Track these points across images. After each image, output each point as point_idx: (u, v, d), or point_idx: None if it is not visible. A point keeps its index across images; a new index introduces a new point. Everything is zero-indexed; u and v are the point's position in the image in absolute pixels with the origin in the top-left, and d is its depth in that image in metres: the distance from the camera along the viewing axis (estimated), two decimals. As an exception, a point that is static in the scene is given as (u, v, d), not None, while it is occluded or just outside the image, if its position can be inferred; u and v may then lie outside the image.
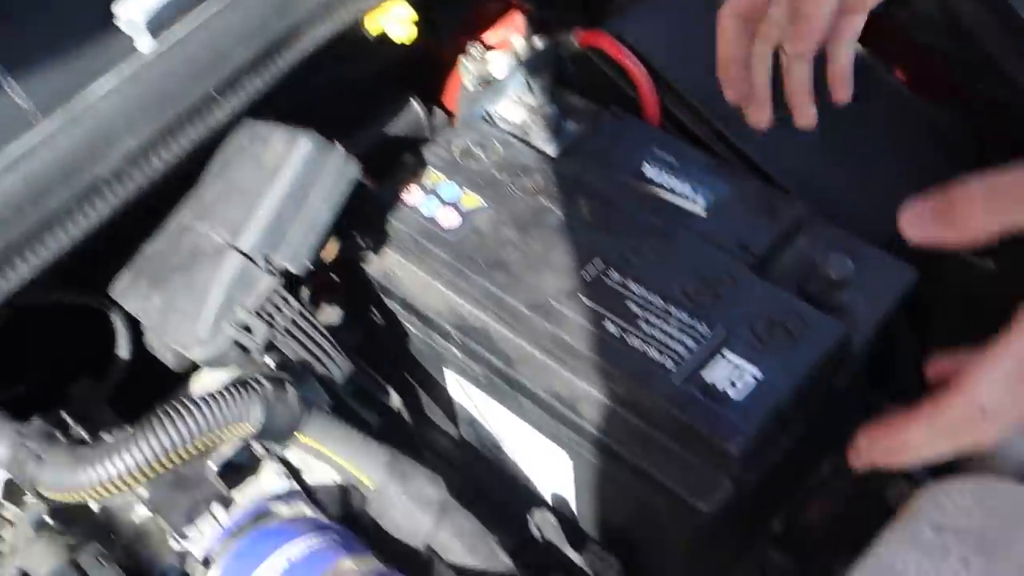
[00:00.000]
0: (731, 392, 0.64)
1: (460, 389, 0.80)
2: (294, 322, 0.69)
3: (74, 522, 0.68)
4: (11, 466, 0.63)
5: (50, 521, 0.67)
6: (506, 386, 0.73)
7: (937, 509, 0.64)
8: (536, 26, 0.94)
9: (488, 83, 0.85)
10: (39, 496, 0.63)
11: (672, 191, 0.75)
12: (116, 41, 0.71)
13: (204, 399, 0.63)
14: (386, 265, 0.77)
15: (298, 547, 0.64)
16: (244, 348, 0.68)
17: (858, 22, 0.73)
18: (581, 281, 0.70)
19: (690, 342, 0.66)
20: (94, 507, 0.70)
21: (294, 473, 0.72)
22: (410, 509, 0.68)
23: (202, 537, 0.67)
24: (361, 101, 0.89)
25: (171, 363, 0.72)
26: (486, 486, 0.85)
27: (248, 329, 0.67)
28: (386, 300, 0.78)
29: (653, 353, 0.66)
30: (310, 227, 0.69)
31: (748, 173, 0.80)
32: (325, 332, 0.70)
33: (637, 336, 0.67)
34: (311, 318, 0.69)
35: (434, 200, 0.76)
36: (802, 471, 0.79)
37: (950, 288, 0.85)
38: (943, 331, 0.86)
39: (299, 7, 0.74)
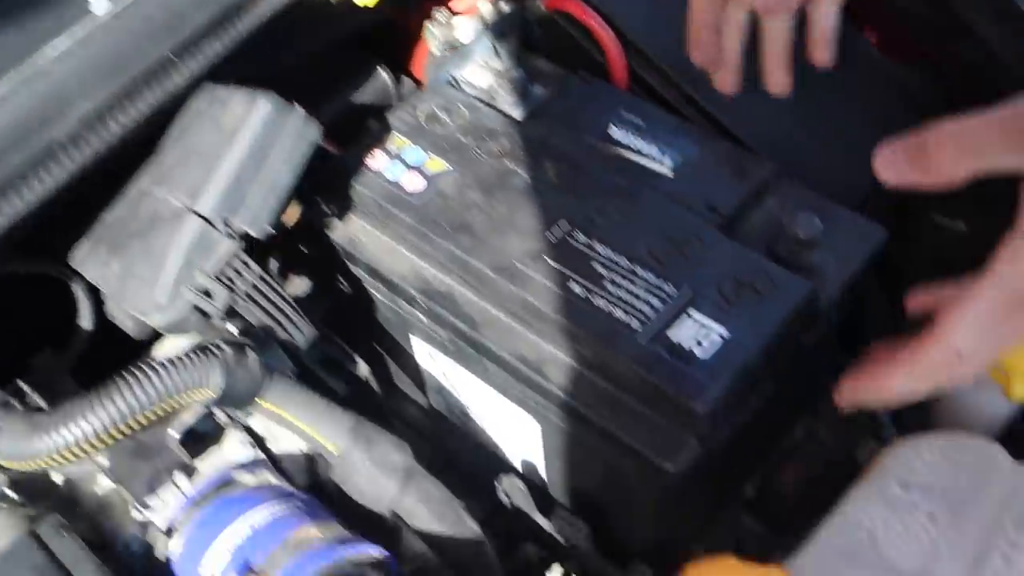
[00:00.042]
0: (697, 351, 0.63)
1: (427, 356, 0.79)
2: (255, 287, 0.68)
3: (36, 495, 0.67)
4: (-33, 437, 0.62)
5: (10, 493, 0.66)
6: (472, 351, 0.72)
7: (904, 466, 0.64)
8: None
9: (454, 48, 0.84)
10: (-2, 466, 0.62)
11: (639, 152, 0.74)
12: (70, 2, 0.69)
13: (163, 363, 0.62)
14: (351, 231, 0.76)
15: (261, 514, 0.63)
16: (205, 314, 0.67)
17: None
18: (546, 243, 0.69)
19: (656, 302, 0.65)
20: (57, 479, 0.69)
21: (259, 442, 0.71)
22: (375, 475, 0.68)
23: (165, 506, 0.66)
24: (327, 69, 0.88)
25: (132, 331, 0.71)
26: (456, 455, 0.84)
27: (208, 294, 0.66)
28: (351, 267, 0.77)
29: (619, 314, 0.65)
30: (270, 190, 0.68)
31: (717, 135, 0.79)
32: (287, 297, 0.69)
33: (603, 297, 0.66)
34: (273, 283, 0.68)
35: (399, 165, 0.75)
36: (773, 434, 0.79)
37: (921, 250, 0.84)
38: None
39: (257, -32, 0.73)
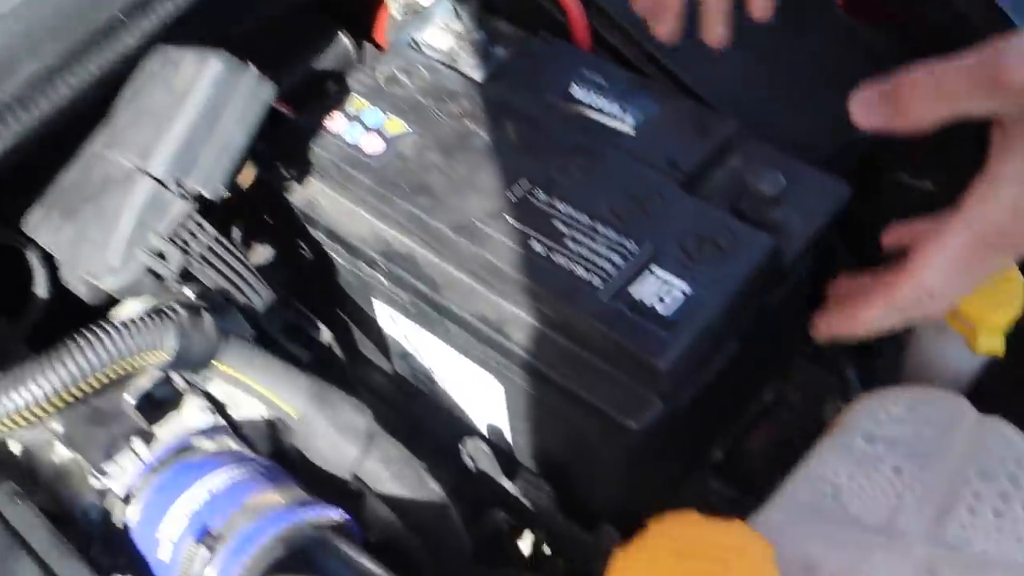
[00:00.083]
0: (659, 307, 0.62)
1: (390, 320, 0.78)
2: (210, 249, 0.67)
3: (-8, 465, 0.66)
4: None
5: (-36, 463, 0.65)
6: (434, 312, 0.71)
7: (869, 419, 0.63)
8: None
9: (415, 12, 0.83)
10: (-50, 435, 0.61)
11: (600, 111, 0.73)
12: (16, -40, 0.68)
13: (115, 325, 0.61)
14: (309, 194, 0.75)
15: (220, 478, 0.62)
16: (159, 276, 0.66)
17: None
18: (507, 202, 0.68)
19: (618, 259, 0.64)
20: (15, 449, 0.68)
21: (219, 408, 0.70)
22: (335, 439, 0.67)
23: (123, 473, 0.65)
24: (288, 34, 0.87)
25: (86, 296, 0.70)
26: (422, 422, 0.83)
27: (162, 256, 0.65)
28: (311, 230, 0.76)
29: (580, 271, 0.64)
30: (223, 150, 0.67)
31: (679, 93, 0.78)
32: (245, 260, 0.68)
33: (563, 255, 0.65)
34: (229, 245, 0.67)
35: (358, 127, 0.74)
36: (740, 396, 0.78)
37: (888, 210, 0.84)
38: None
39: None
